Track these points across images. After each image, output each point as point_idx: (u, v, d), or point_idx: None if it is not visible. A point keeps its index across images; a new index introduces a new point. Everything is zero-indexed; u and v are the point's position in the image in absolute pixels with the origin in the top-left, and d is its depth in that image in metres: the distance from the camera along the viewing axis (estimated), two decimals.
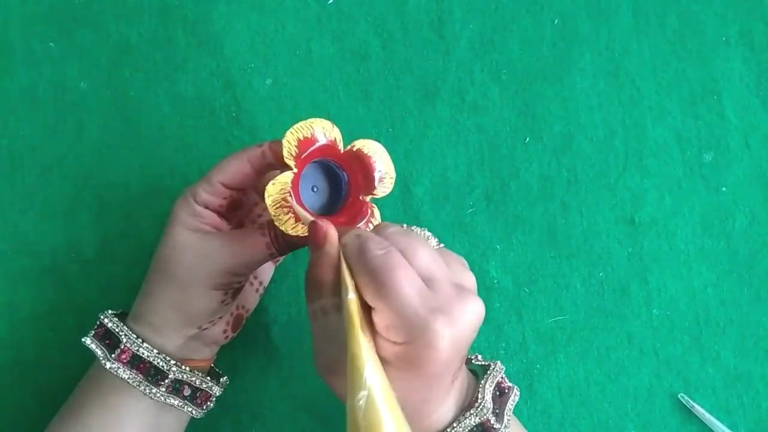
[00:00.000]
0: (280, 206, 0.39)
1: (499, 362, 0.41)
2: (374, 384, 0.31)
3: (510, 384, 0.41)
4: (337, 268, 0.36)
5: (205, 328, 0.42)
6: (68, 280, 0.50)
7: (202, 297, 0.41)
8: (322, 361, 0.37)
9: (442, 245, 0.41)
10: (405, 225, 0.40)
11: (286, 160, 0.39)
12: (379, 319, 0.34)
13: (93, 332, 0.43)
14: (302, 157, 0.40)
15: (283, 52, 0.52)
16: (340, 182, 0.42)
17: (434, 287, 0.34)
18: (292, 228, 0.39)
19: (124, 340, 0.41)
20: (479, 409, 0.38)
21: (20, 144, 0.51)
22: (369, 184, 0.41)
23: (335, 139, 0.41)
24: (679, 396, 0.50)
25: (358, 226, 0.41)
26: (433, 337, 0.33)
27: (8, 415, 0.49)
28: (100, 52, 0.52)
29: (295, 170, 0.40)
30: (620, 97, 0.52)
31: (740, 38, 0.53)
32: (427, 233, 0.42)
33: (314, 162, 0.41)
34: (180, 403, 0.42)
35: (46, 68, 0.52)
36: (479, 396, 0.38)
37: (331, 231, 0.37)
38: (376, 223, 0.41)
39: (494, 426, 0.38)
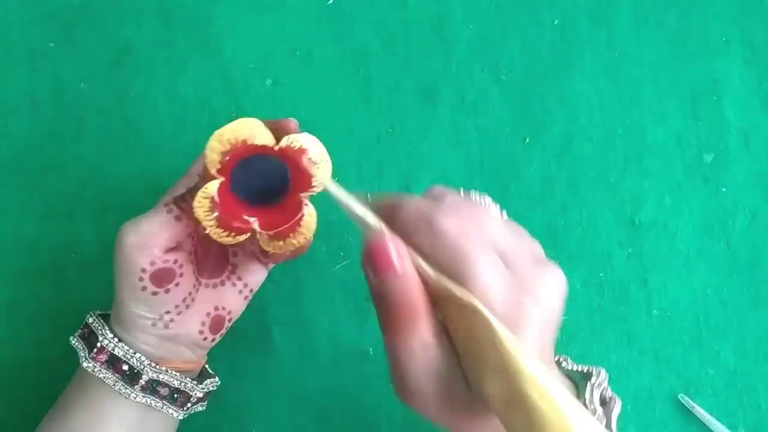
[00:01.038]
0: (207, 212, 0.39)
1: (603, 370, 0.37)
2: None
3: (612, 394, 0.37)
4: (423, 288, 0.31)
5: (166, 326, 0.41)
6: (68, 280, 0.50)
7: (124, 287, 0.40)
8: (418, 397, 0.32)
9: (504, 213, 0.38)
10: (462, 190, 0.36)
11: (211, 171, 0.38)
12: None
13: (79, 332, 0.43)
14: (228, 162, 0.38)
15: (283, 52, 0.52)
16: (285, 175, 0.41)
17: (511, 265, 0.32)
18: (219, 235, 0.39)
19: (101, 339, 0.41)
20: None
21: (20, 144, 0.51)
22: (304, 181, 0.39)
23: (264, 142, 0.38)
24: (679, 397, 0.50)
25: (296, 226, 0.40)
26: (523, 321, 0.31)
27: (8, 415, 0.50)
28: (100, 52, 0.52)
29: (222, 178, 0.39)
30: (620, 98, 0.52)
31: (740, 39, 0.53)
32: (488, 199, 0.37)
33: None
34: (158, 404, 0.42)
35: (46, 68, 0.52)
36: (587, 404, 0.35)
37: (403, 253, 0.31)
38: (309, 221, 0.39)
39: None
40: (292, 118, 0.40)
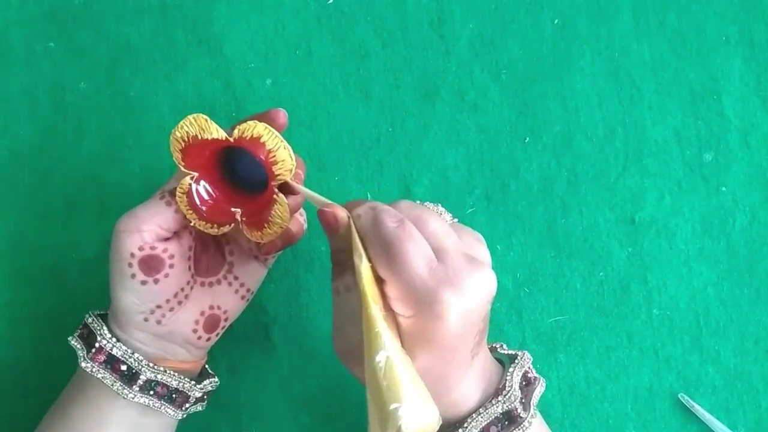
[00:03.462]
0: (187, 207, 0.41)
1: (527, 352, 0.41)
2: (391, 346, 0.32)
3: (536, 375, 0.41)
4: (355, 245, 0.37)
5: (158, 322, 0.41)
6: (68, 280, 0.50)
7: (115, 276, 0.40)
8: (341, 342, 0.38)
9: (455, 220, 0.41)
10: (419, 201, 0.40)
11: (180, 167, 0.40)
12: (389, 291, 0.35)
13: (78, 332, 0.43)
14: (196, 157, 0.40)
15: (282, 51, 0.52)
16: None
17: (444, 259, 0.35)
18: (203, 226, 0.41)
19: (99, 339, 0.41)
20: (507, 396, 0.38)
21: (20, 144, 0.51)
22: (271, 170, 0.40)
23: (214, 137, 0.39)
24: (679, 396, 0.50)
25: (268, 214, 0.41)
26: (441, 310, 0.34)
27: (8, 415, 0.50)
28: (100, 52, 0.52)
29: (193, 173, 0.40)
30: (620, 97, 0.52)
31: (740, 37, 0.53)
32: (441, 209, 0.41)
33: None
34: (156, 404, 0.42)
35: (46, 68, 0.52)
36: (507, 384, 0.38)
37: (340, 214, 0.37)
38: (279, 210, 0.40)
39: (520, 415, 0.38)
40: (280, 109, 0.40)
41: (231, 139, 0.39)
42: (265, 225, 0.41)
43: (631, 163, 0.52)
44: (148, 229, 0.40)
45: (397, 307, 0.35)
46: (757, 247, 0.51)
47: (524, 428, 0.38)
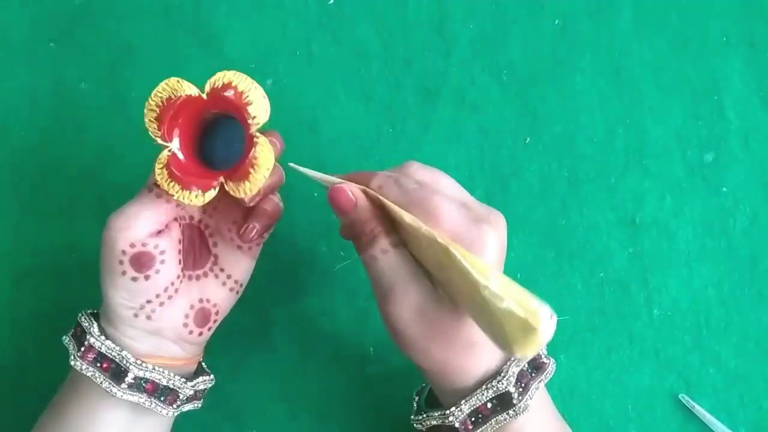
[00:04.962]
0: (168, 179, 0.40)
1: None
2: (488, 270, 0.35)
3: (546, 360, 0.43)
4: (376, 213, 0.39)
5: (148, 317, 0.41)
6: (68, 280, 0.50)
7: (106, 273, 0.41)
8: (400, 306, 0.39)
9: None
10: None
11: (156, 140, 0.40)
12: None
13: (72, 331, 0.43)
14: (171, 126, 0.40)
15: (283, 52, 0.52)
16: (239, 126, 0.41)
17: (466, 205, 0.39)
18: (186, 197, 0.40)
19: (88, 337, 0.41)
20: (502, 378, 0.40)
21: (20, 144, 0.51)
22: (246, 117, 0.40)
23: (189, 93, 0.39)
24: (679, 396, 0.50)
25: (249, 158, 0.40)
26: (484, 241, 0.37)
27: (9, 415, 0.50)
28: (100, 52, 0.52)
29: (169, 144, 0.40)
30: (621, 97, 0.52)
31: (741, 38, 0.53)
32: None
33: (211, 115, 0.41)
34: (146, 402, 0.42)
35: (46, 68, 0.52)
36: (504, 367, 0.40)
37: (356, 191, 0.40)
38: (262, 150, 0.40)
39: (543, 361, 0.41)
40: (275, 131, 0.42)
41: (203, 95, 0.39)
42: (251, 171, 0.40)
43: (632, 164, 0.52)
44: (137, 225, 0.40)
45: None
46: (758, 248, 0.51)
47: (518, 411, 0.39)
